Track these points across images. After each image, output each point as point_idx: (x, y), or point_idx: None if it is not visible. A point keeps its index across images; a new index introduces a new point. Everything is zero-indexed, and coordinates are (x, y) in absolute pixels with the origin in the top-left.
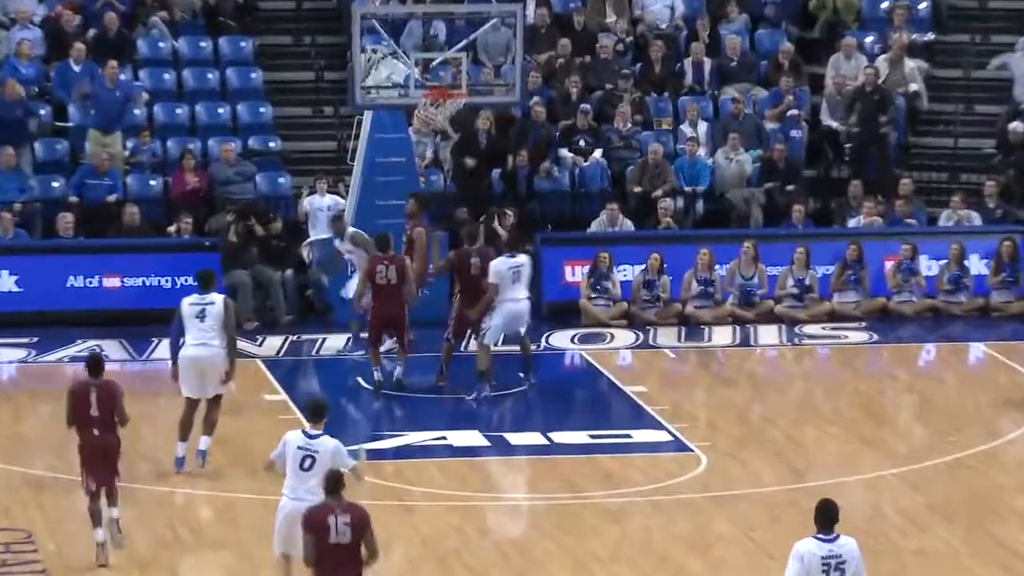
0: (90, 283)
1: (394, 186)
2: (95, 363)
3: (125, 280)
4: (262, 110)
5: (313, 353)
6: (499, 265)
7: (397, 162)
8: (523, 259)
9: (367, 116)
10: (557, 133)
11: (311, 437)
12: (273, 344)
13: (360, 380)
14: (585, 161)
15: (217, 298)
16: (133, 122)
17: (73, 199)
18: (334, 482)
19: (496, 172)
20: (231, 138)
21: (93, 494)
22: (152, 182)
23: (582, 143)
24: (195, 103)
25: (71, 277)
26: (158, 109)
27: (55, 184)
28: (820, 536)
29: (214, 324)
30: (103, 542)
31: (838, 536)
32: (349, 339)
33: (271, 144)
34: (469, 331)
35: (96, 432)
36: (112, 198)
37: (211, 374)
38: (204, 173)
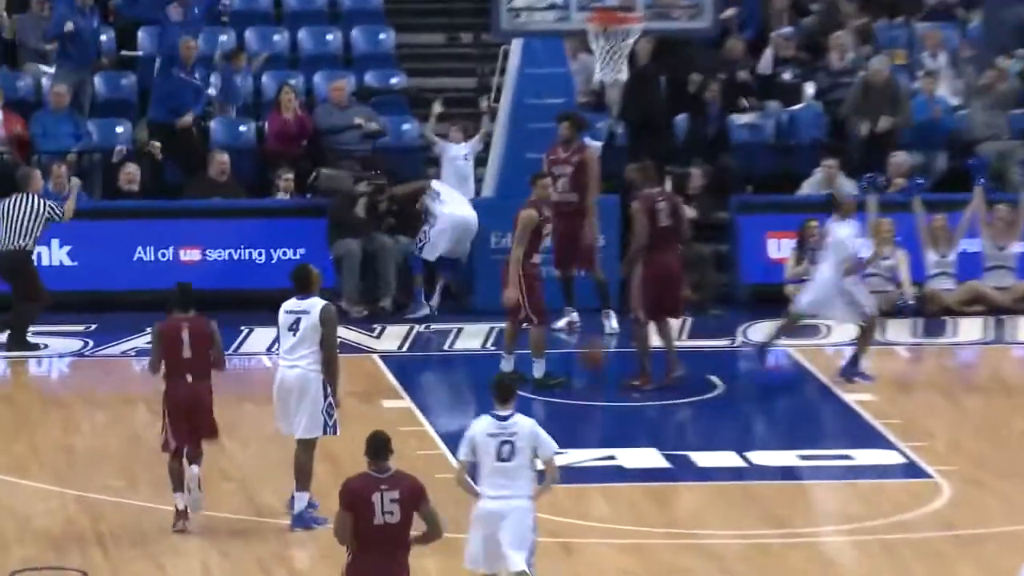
0: (163, 256)
1: (550, 134)
2: (184, 294)
3: (207, 252)
4: (382, 36)
5: (446, 347)
6: (840, 230)
7: (553, 104)
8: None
9: (515, 45)
10: (758, 68)
11: (503, 419)
12: (395, 335)
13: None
14: (792, 104)
15: (315, 304)
16: (216, 49)
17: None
18: (379, 445)
19: (680, 118)
20: (343, 72)
21: (175, 452)
22: (242, 127)
23: (787, 78)
24: (297, 27)
25: (139, 248)
26: (250, 35)
27: (119, 130)
28: None
29: (306, 338)
30: (183, 509)
31: None
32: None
33: (393, 80)
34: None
35: (188, 379)
36: (188, 117)
37: (299, 404)
38: (308, 116)
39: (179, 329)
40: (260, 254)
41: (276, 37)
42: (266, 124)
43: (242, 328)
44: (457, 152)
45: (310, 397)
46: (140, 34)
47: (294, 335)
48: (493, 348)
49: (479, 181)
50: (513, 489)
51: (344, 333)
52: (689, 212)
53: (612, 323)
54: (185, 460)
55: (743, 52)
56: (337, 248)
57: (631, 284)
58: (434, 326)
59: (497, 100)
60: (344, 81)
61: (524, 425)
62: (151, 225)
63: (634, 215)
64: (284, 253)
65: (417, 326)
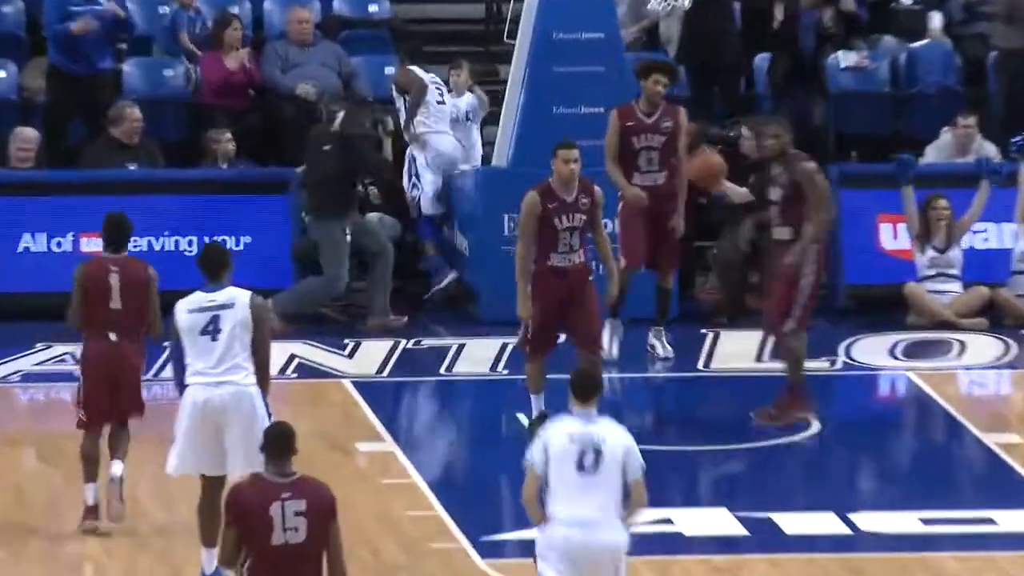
0: (58, 246)
1: (584, 82)
2: (116, 228)
3: None
4: None
5: (443, 371)
6: None
7: (591, 40)
8: None
9: None
10: None
11: (587, 422)
12: (372, 355)
13: (520, 417)
14: (913, 41)
15: (236, 295)
16: None
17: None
18: (284, 439)
19: (760, 59)
20: None
21: (88, 427)
22: (167, 72)
23: (907, 3)
24: None
25: (27, 236)
26: None
27: (2, 75)
28: None
29: (235, 340)
30: (94, 506)
31: None
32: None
33: (372, 7)
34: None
35: (113, 336)
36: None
37: (243, 433)
38: (256, 60)
39: (106, 272)
40: (190, 243)
41: None
42: (200, 67)
43: (165, 344)
44: (457, 105)
45: (257, 421)
46: None
47: (213, 339)
48: (506, 372)
49: (488, 145)
50: (595, 511)
51: (302, 350)
52: (738, 190)
53: (664, 346)
54: (108, 449)
55: None
56: (322, 231)
57: (794, 279)
58: (427, 341)
59: (512, 37)
60: (307, 10)
61: (617, 435)
62: (42, 204)
63: (809, 184)
64: (223, 242)
65: (404, 341)
